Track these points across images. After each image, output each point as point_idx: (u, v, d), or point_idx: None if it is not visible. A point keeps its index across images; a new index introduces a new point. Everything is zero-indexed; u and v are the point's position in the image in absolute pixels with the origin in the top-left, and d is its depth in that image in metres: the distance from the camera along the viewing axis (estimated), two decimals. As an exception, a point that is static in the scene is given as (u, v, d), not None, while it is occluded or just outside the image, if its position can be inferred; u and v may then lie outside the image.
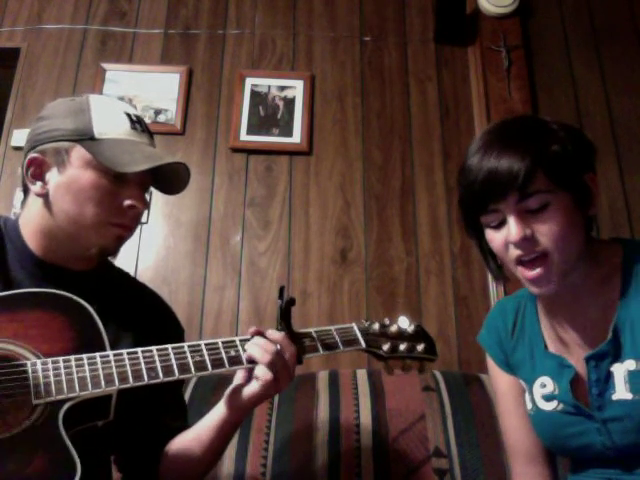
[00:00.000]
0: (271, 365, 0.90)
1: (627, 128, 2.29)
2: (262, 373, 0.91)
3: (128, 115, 1.04)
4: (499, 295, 2.01)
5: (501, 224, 0.93)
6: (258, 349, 0.92)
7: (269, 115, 2.28)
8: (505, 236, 0.92)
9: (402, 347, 1.03)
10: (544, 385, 1.00)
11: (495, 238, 0.94)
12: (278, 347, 0.92)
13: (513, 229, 0.90)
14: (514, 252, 0.92)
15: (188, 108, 2.30)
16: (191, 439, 1.02)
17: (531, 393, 1.03)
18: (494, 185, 0.90)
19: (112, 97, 1.16)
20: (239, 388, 0.95)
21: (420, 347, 1.04)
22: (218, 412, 0.99)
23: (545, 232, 0.89)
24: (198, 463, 1.02)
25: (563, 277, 0.93)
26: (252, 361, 0.93)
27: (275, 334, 0.94)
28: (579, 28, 2.47)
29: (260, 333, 0.95)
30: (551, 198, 0.89)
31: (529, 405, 1.04)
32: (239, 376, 0.97)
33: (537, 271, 0.91)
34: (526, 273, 0.92)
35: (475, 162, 0.93)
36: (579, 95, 2.35)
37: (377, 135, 2.29)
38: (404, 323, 1.08)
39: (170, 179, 1.07)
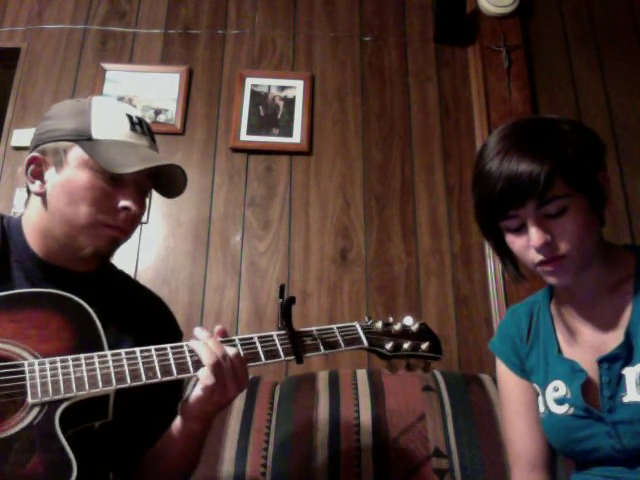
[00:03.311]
0: (215, 367, 0.88)
1: (627, 128, 2.29)
2: (204, 375, 0.89)
3: (129, 117, 1.03)
4: (499, 295, 2.01)
5: (521, 227, 0.94)
6: (206, 349, 0.90)
7: (269, 115, 2.28)
8: (525, 240, 0.94)
9: (406, 345, 1.01)
10: (557, 389, 1.01)
11: (515, 241, 0.96)
12: (227, 353, 0.90)
13: (534, 236, 0.91)
14: (536, 256, 0.93)
15: (188, 108, 2.30)
16: (163, 439, 1.03)
17: (544, 396, 1.03)
18: (514, 192, 0.90)
19: (115, 99, 1.16)
20: (189, 395, 0.94)
21: (424, 345, 1.02)
22: (177, 420, 0.99)
23: (564, 236, 0.91)
24: (168, 463, 1.02)
25: (579, 270, 0.95)
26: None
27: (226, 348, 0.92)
28: (579, 28, 2.47)
29: (224, 333, 0.95)
30: (569, 202, 0.91)
31: (542, 408, 1.04)
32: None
33: (555, 264, 0.93)
34: (544, 267, 0.94)
35: (494, 168, 0.92)
36: (579, 95, 2.35)
37: (377, 135, 2.28)
38: (408, 321, 1.06)
39: (170, 182, 1.06)
